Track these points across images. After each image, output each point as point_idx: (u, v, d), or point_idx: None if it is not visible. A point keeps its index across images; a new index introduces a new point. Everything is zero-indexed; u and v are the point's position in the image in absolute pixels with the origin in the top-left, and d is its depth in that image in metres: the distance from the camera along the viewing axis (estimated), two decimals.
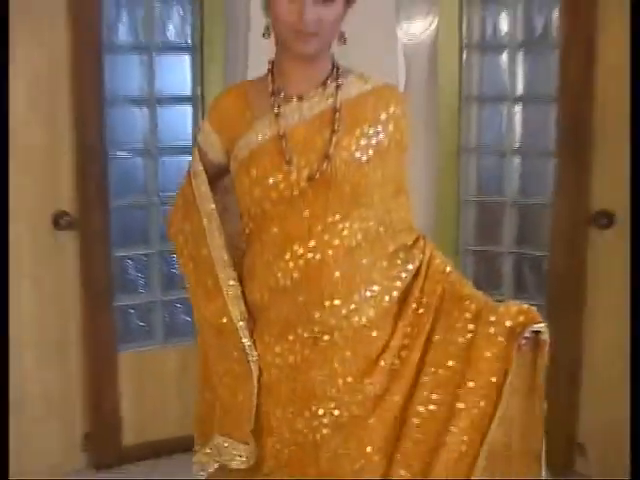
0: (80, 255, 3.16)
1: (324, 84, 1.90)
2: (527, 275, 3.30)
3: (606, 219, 3.04)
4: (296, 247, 1.84)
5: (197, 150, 2.01)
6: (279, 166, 1.83)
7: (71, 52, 3.05)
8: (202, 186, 1.96)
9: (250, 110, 1.91)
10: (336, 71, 1.92)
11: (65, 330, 3.21)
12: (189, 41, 3.28)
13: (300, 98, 1.88)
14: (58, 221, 3.07)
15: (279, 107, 1.87)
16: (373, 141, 1.87)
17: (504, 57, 3.22)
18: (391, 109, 1.90)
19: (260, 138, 1.86)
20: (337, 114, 1.86)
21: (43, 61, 3.03)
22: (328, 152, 1.82)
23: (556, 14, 3.09)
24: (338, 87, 1.89)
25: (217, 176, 2.03)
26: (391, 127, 1.89)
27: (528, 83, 3.22)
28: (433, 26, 3.28)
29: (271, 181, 1.83)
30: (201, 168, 1.97)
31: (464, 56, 3.24)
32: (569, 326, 3.15)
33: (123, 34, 3.19)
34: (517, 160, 3.25)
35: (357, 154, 1.84)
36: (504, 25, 3.20)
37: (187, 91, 3.32)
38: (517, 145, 3.24)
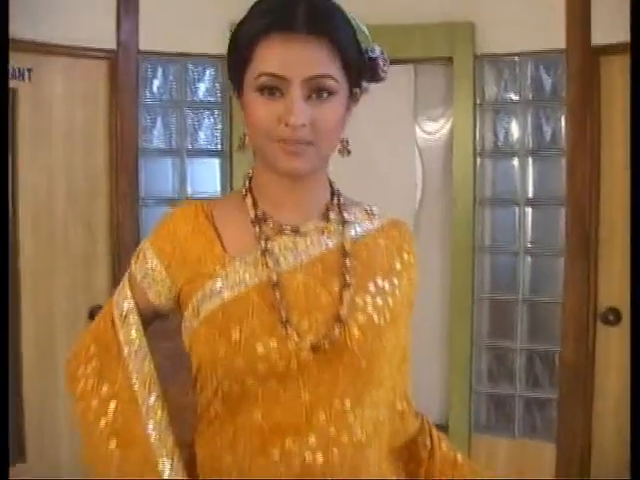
0: None
1: (325, 216, 1.43)
2: (539, 369, 3.38)
3: (613, 316, 3.17)
4: (289, 443, 1.31)
5: (128, 283, 1.46)
6: (272, 328, 1.31)
7: (109, 155, 3.25)
8: (135, 335, 1.42)
9: (220, 242, 1.39)
10: (337, 199, 1.47)
11: None
12: (218, 146, 3.45)
13: (296, 231, 1.40)
14: (94, 315, 3.20)
15: (267, 241, 1.37)
16: (390, 300, 1.41)
17: (515, 162, 3.37)
18: (405, 256, 1.49)
19: (242, 285, 1.34)
20: (347, 261, 1.39)
21: (82, 163, 3.23)
22: (339, 313, 1.34)
23: (563, 123, 3.25)
24: (345, 223, 1.43)
25: (151, 321, 1.48)
26: (405, 279, 1.46)
27: (538, 187, 3.36)
28: (447, 126, 3.47)
29: (261, 349, 1.30)
30: (133, 309, 1.43)
31: (478, 161, 3.39)
32: (579, 417, 3.25)
33: (157, 139, 3.37)
34: (529, 259, 3.36)
35: (375, 317, 1.37)
36: (515, 132, 3.36)
37: (217, 192, 3.46)
38: (528, 245, 3.36)
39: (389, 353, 1.41)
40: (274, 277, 1.34)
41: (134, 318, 1.43)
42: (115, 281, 3.25)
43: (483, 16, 3.32)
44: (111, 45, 3.25)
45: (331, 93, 1.31)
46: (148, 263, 1.42)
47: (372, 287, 1.41)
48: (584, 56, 3.18)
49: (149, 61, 3.33)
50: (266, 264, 1.36)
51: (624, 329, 3.16)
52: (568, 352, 3.25)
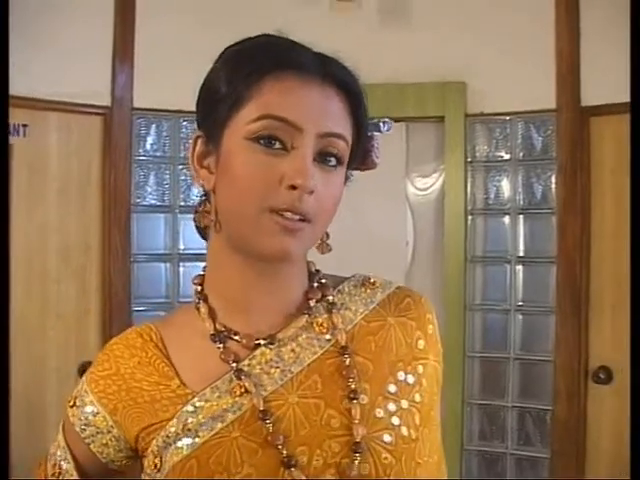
0: None
1: (305, 307, 1.12)
2: (531, 428, 3.36)
3: (605, 375, 3.17)
4: None
5: (62, 434, 1.20)
6: (272, 473, 1.00)
7: (102, 211, 3.26)
8: None
9: (176, 374, 1.09)
10: (318, 282, 1.16)
11: None
12: None
13: (271, 340, 1.08)
14: (84, 371, 3.18)
15: (236, 360, 1.07)
16: (417, 396, 1.11)
17: (506, 220, 3.38)
18: (430, 328, 1.16)
19: (218, 422, 1.03)
20: (347, 361, 1.08)
21: (75, 218, 3.24)
22: (355, 437, 1.02)
23: (554, 182, 3.27)
24: (331, 307, 1.13)
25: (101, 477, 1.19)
26: (432, 357, 1.15)
27: (529, 245, 3.36)
28: (439, 183, 3.48)
29: None
30: (70, 469, 1.17)
31: (469, 218, 3.40)
32: (571, 476, 3.21)
33: (150, 195, 3.38)
34: (520, 317, 3.36)
35: (404, 430, 1.06)
36: (506, 191, 3.38)
37: None
38: (519, 303, 3.36)
39: (429, 463, 1.10)
40: (260, 404, 1.03)
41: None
42: (106, 337, 3.24)
43: (475, 76, 3.36)
44: (106, 102, 3.28)
45: (339, 162, 1.05)
46: (88, 409, 1.14)
47: (392, 387, 1.09)
48: (574, 116, 3.22)
49: (143, 118, 3.36)
50: (245, 388, 1.04)
51: (615, 388, 3.16)
52: (560, 410, 3.24)
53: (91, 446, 1.15)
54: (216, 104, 1.05)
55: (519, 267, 3.37)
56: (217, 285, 1.13)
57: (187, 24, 3.31)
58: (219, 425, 1.03)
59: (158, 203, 3.40)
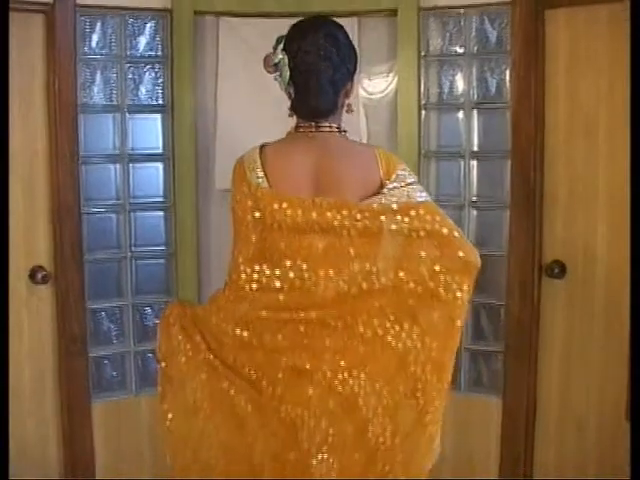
0: (56, 308, 3.23)
1: None
2: (485, 323, 3.40)
3: (558, 269, 3.18)
4: None
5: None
6: None
7: (47, 113, 3.16)
8: None
9: None
10: None
11: (41, 380, 3.26)
12: (160, 101, 3.37)
13: None
14: (35, 275, 3.16)
15: None
16: None
17: (460, 115, 3.35)
18: None
19: None
20: None
21: (19, 121, 3.11)
22: None
23: (508, 75, 3.23)
24: None
25: None
26: None
27: (483, 140, 3.34)
28: (392, 85, 3.43)
29: None
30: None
31: (422, 114, 3.36)
32: (525, 370, 3.28)
33: (97, 95, 3.28)
34: (474, 212, 3.36)
35: None
36: (460, 85, 3.33)
37: (159, 149, 3.40)
38: (474, 198, 3.35)
39: None
40: None
41: None
42: (56, 240, 3.18)
43: None
44: None
45: None
46: None
47: None
48: (529, 9, 3.15)
49: (87, 15, 3.22)
50: None
51: (569, 282, 3.18)
52: (513, 305, 3.26)
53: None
54: None
55: (473, 162, 3.35)
56: None
57: None
58: None
59: (106, 103, 3.30)
